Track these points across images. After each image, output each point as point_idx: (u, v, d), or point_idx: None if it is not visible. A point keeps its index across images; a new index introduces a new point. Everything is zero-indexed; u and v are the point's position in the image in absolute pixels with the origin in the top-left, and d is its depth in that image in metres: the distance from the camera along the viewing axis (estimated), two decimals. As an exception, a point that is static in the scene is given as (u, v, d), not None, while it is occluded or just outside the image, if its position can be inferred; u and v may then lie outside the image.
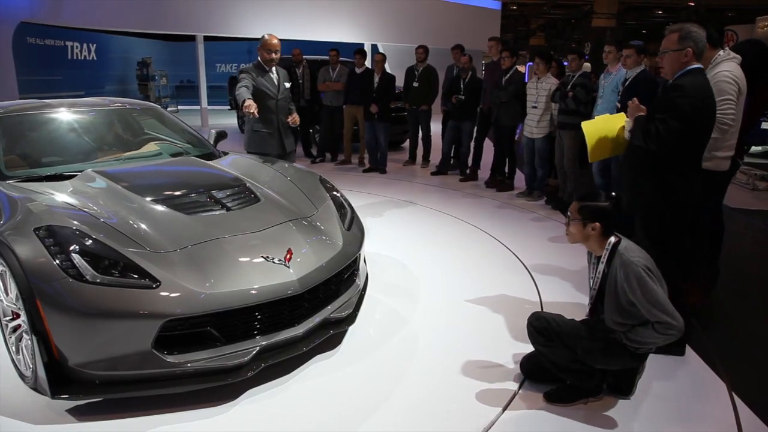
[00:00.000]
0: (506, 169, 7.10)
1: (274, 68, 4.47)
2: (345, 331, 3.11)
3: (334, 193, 3.58)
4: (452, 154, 7.84)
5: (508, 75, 6.53)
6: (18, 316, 2.50)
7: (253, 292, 2.50)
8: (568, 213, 2.59)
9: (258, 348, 2.53)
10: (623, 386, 2.61)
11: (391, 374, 2.80)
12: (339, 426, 2.40)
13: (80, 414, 2.41)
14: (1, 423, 2.36)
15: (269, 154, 4.30)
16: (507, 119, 6.63)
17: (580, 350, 2.48)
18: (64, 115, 3.78)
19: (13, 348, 2.61)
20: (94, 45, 14.55)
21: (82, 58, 14.19)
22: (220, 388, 2.51)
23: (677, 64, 2.87)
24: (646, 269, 2.39)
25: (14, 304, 2.50)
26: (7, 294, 2.57)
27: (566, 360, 2.52)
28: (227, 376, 2.45)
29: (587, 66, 11.87)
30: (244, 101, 4.02)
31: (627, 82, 4.82)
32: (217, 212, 2.91)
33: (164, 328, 2.32)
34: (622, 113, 3.20)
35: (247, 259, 2.63)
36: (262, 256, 2.66)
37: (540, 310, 3.38)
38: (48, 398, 2.33)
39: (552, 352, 2.55)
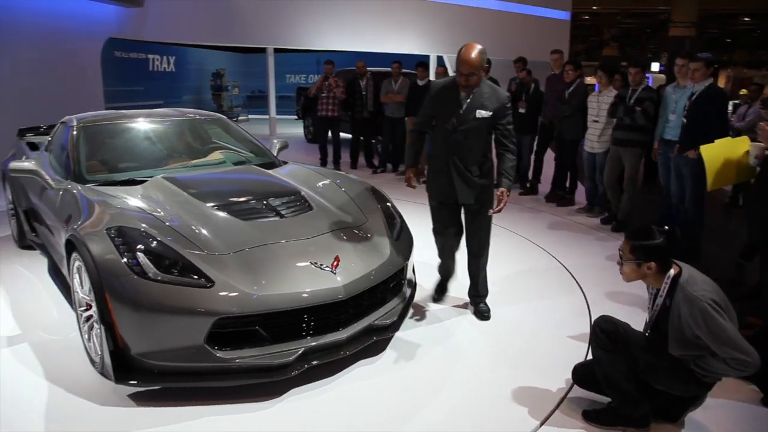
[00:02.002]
0: (567, 184, 6.96)
1: (473, 91, 3.28)
2: (389, 338, 3.19)
3: (385, 203, 3.68)
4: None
5: (572, 88, 6.42)
6: (90, 307, 2.75)
7: (304, 295, 2.63)
8: (620, 252, 2.44)
9: (302, 349, 2.65)
10: (672, 412, 2.49)
11: (432, 382, 2.85)
12: (380, 427, 2.48)
13: (140, 399, 2.61)
14: (74, 402, 2.61)
15: (441, 201, 3.60)
16: (570, 133, 6.49)
17: (643, 364, 2.37)
18: (139, 124, 4.12)
19: (86, 336, 2.86)
20: (173, 57, 15.47)
21: (162, 69, 15.12)
22: (266, 384, 2.65)
23: None
24: (713, 303, 2.23)
25: (87, 296, 2.76)
26: (82, 286, 2.83)
27: (620, 375, 2.41)
28: (272, 374, 2.59)
29: (662, 78, 11.38)
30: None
31: (694, 97, 4.62)
32: (271, 219, 3.07)
33: (216, 325, 2.49)
34: (745, 137, 2.93)
35: (296, 264, 2.76)
36: (311, 262, 2.78)
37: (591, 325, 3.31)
38: (112, 383, 2.55)
39: (610, 361, 2.42)
